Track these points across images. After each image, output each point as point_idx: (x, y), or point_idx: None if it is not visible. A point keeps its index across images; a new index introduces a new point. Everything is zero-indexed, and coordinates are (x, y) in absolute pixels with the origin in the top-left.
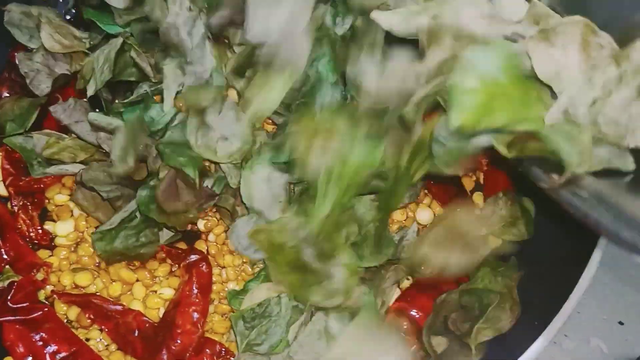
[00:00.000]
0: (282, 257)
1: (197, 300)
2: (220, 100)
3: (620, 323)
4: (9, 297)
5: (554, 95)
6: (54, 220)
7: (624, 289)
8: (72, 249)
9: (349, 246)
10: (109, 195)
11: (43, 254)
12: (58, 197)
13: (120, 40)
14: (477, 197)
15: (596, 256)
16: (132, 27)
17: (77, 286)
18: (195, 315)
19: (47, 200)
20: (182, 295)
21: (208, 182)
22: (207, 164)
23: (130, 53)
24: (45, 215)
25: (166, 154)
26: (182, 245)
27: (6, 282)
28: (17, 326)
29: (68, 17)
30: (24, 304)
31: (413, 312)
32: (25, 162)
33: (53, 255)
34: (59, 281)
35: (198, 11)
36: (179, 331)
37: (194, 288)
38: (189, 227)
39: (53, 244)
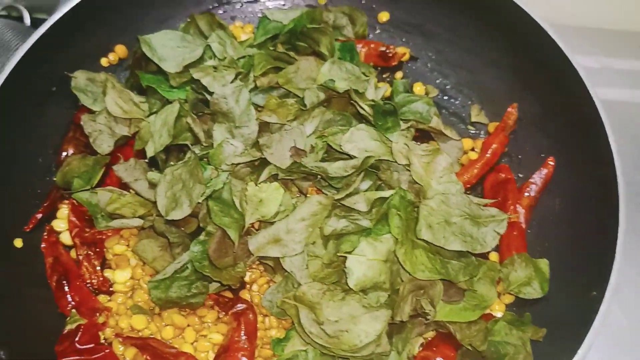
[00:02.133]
0: None
1: (245, 345)
2: None
3: None
4: (76, 339)
5: None
6: (112, 268)
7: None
8: (129, 295)
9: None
10: (174, 240)
11: (102, 299)
12: (117, 247)
13: (177, 105)
14: (493, 256)
15: (599, 317)
16: (187, 95)
17: (132, 329)
18: (244, 359)
19: (105, 250)
20: (232, 341)
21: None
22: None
23: (186, 119)
24: (103, 264)
25: (214, 212)
26: (228, 294)
27: (74, 325)
28: None
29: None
30: (89, 345)
31: None
32: (90, 216)
33: (111, 300)
34: (117, 324)
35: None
36: None
37: (242, 335)
38: None
39: (111, 289)
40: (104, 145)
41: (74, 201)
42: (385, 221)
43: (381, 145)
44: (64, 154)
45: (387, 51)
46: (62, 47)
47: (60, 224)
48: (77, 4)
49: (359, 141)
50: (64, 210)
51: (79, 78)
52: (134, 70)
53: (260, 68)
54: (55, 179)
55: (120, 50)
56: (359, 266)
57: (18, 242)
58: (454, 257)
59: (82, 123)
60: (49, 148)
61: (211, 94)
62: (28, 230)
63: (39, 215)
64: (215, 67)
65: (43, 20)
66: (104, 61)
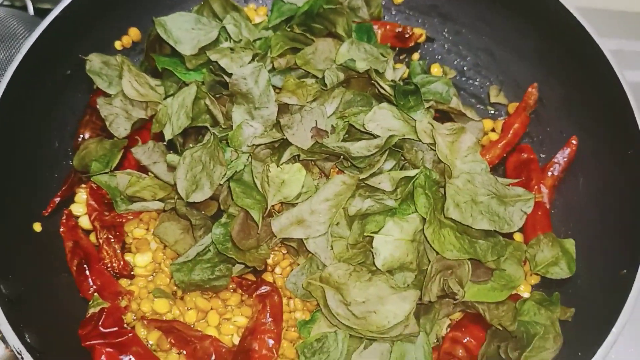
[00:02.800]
0: None
1: (271, 327)
2: None
3: None
4: (99, 323)
5: None
6: (132, 252)
7: None
8: (150, 278)
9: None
10: (196, 222)
11: (123, 282)
12: (137, 231)
13: (194, 87)
14: (518, 236)
15: (633, 295)
16: (204, 77)
17: (155, 313)
18: (270, 341)
19: (125, 234)
20: (257, 323)
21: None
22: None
23: (205, 100)
24: (124, 248)
25: (236, 193)
26: (251, 277)
27: (97, 308)
28: (108, 349)
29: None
30: (113, 329)
31: (467, 341)
32: (109, 199)
33: (132, 284)
34: (139, 308)
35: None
36: (256, 356)
37: (268, 317)
38: None
39: (132, 273)
40: (121, 128)
41: (93, 184)
42: (410, 201)
43: (405, 124)
44: (81, 137)
45: (404, 32)
46: (75, 31)
47: (78, 208)
48: None
49: (382, 120)
50: (82, 195)
51: (94, 61)
52: (148, 53)
53: (277, 49)
54: (72, 162)
55: (134, 34)
56: (386, 246)
57: (37, 227)
58: (481, 237)
59: (98, 106)
60: (65, 132)
61: (229, 75)
62: (46, 214)
63: (57, 200)
64: (232, 49)
65: (47, 11)
66: (117, 44)
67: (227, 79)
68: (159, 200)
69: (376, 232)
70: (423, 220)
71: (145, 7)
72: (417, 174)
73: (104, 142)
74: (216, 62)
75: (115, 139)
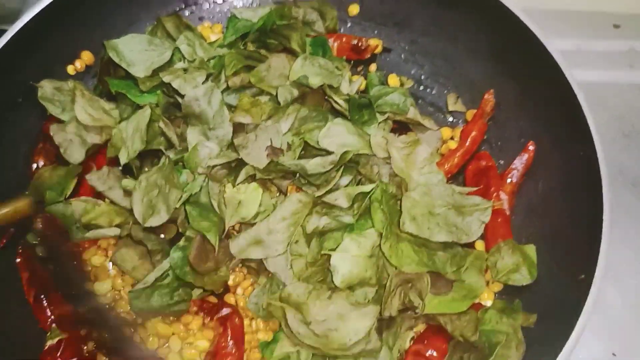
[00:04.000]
0: None
1: (232, 350)
2: None
3: (614, 354)
4: (58, 354)
5: None
6: (91, 280)
7: (615, 327)
8: (110, 306)
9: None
10: (153, 247)
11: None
12: (95, 258)
13: (148, 110)
14: (479, 245)
15: (590, 299)
16: (158, 99)
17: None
18: None
19: (84, 262)
20: (218, 347)
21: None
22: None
23: (158, 123)
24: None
25: (192, 217)
26: (213, 299)
27: (55, 340)
28: None
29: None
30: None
31: (430, 353)
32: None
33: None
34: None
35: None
36: None
37: (229, 339)
38: None
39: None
40: (76, 154)
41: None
42: (367, 216)
43: (359, 139)
44: (35, 165)
45: (359, 44)
46: (26, 56)
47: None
48: (38, 12)
49: (337, 136)
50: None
51: (46, 87)
52: (102, 77)
53: (231, 68)
54: (27, 192)
55: (87, 57)
56: (344, 263)
57: None
58: (440, 248)
59: (51, 133)
60: (21, 161)
61: (182, 96)
62: (1, 245)
63: (12, 230)
64: (185, 70)
65: (3, 31)
66: (70, 69)
67: (180, 100)
68: (115, 226)
69: (334, 250)
70: (380, 236)
71: (98, 30)
72: (372, 189)
73: (58, 169)
74: (169, 83)
75: (70, 165)
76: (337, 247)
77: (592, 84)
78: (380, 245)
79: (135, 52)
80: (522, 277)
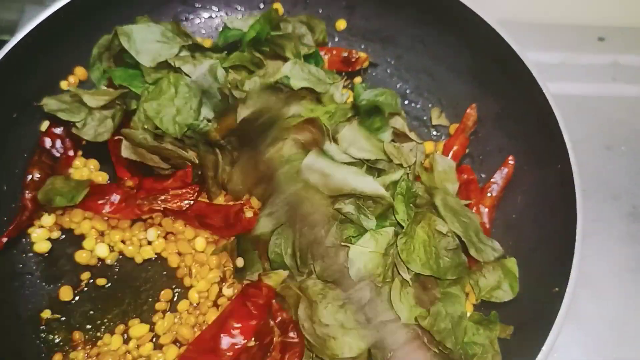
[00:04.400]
0: None
1: None
2: None
3: None
4: None
5: None
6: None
7: (590, 338)
8: None
9: None
10: None
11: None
12: None
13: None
14: None
15: (563, 311)
16: None
17: None
18: None
19: None
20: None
21: None
22: None
23: None
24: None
25: None
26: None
27: None
28: None
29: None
30: None
31: None
32: None
33: None
34: None
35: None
36: None
37: None
38: None
39: None
40: (105, 134)
41: None
42: (385, 216)
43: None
44: (30, 177)
45: (350, 56)
46: (20, 72)
47: (39, 232)
48: (33, 29)
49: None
50: (46, 218)
51: (49, 103)
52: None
53: (231, 61)
54: (23, 202)
55: (80, 72)
56: (361, 257)
57: None
58: (448, 254)
59: (75, 132)
60: (13, 175)
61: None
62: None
63: (5, 239)
64: (193, 56)
65: (3, 42)
66: (64, 84)
67: (189, 81)
68: None
69: (354, 237)
70: (396, 235)
71: (91, 46)
72: (401, 176)
73: (69, 180)
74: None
75: (79, 179)
76: (357, 236)
77: (576, 96)
78: (396, 242)
79: (147, 41)
80: (504, 293)
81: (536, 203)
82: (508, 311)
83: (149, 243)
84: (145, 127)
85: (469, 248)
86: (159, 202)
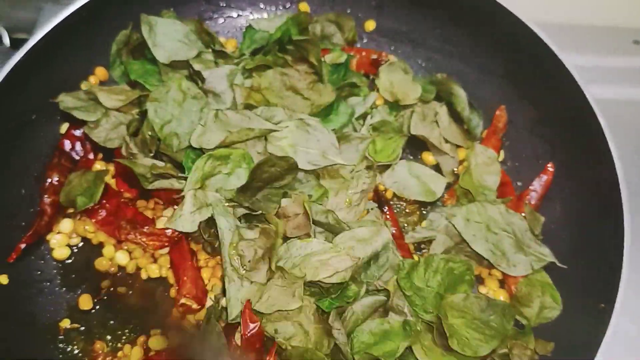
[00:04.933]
0: None
1: None
2: None
3: None
4: None
5: None
6: None
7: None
8: None
9: None
10: None
11: None
12: None
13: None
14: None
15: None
16: None
17: None
18: None
19: None
20: None
21: None
22: None
23: None
24: None
25: None
26: None
27: None
28: None
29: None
30: None
31: None
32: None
33: None
34: None
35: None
36: None
37: None
38: None
39: None
40: (116, 140)
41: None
42: None
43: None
44: (49, 180)
45: (380, 58)
46: (40, 73)
47: (58, 238)
48: (53, 28)
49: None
50: (65, 224)
51: (65, 100)
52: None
53: (256, 62)
54: (40, 207)
55: (101, 73)
56: None
57: (4, 279)
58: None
59: (88, 133)
60: (31, 178)
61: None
62: (12, 261)
63: (23, 245)
64: (216, 62)
65: (23, 41)
66: (84, 85)
67: (205, 74)
68: None
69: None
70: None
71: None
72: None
73: (87, 174)
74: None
75: (98, 170)
76: None
77: (609, 101)
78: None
79: (169, 38)
80: (552, 310)
81: (577, 212)
82: (547, 326)
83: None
84: (150, 134)
85: (499, 264)
86: (138, 235)
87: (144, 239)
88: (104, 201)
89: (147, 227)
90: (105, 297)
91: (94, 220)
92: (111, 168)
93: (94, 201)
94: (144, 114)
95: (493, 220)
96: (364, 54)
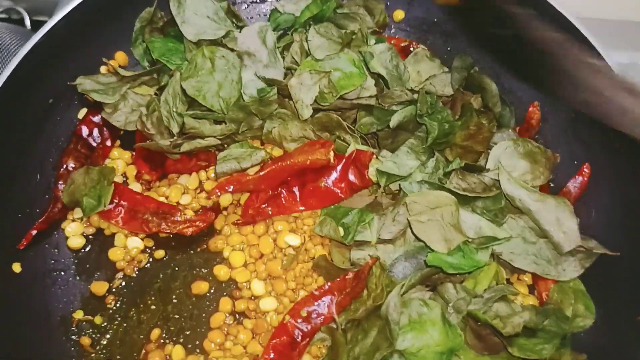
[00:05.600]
0: None
1: None
2: None
3: None
4: None
5: None
6: None
7: None
8: None
9: None
10: None
11: None
12: None
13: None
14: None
15: None
16: None
17: None
18: None
19: None
20: None
21: None
22: None
23: None
24: None
25: None
26: None
27: None
28: None
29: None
30: None
31: None
32: None
33: None
34: None
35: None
36: None
37: None
38: None
39: None
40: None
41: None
42: None
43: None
44: (64, 167)
45: (409, 46)
46: (59, 57)
47: (72, 226)
48: (70, 11)
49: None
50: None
51: (84, 83)
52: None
53: (286, 40)
54: (54, 195)
55: (121, 58)
56: None
57: (16, 267)
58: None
59: (105, 118)
60: (47, 164)
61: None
62: (22, 247)
63: (34, 232)
64: None
65: (43, 23)
66: (103, 69)
67: (237, 34)
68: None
69: None
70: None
71: (131, 31)
72: None
73: (90, 171)
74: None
75: (103, 166)
76: None
77: None
78: None
79: (197, 14)
80: (585, 319)
81: (615, 220)
82: (579, 336)
83: None
84: (174, 109)
85: (547, 273)
86: (170, 224)
87: (180, 227)
88: (116, 200)
89: (178, 215)
90: (120, 291)
91: (113, 221)
92: (121, 161)
93: (104, 205)
94: (161, 91)
95: (527, 230)
96: (393, 42)
